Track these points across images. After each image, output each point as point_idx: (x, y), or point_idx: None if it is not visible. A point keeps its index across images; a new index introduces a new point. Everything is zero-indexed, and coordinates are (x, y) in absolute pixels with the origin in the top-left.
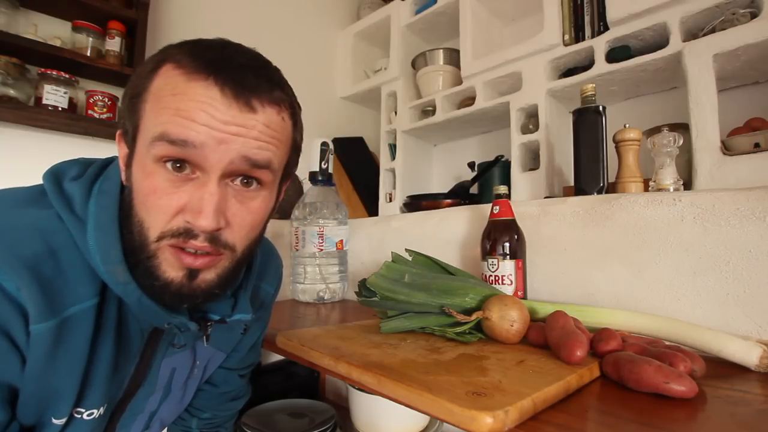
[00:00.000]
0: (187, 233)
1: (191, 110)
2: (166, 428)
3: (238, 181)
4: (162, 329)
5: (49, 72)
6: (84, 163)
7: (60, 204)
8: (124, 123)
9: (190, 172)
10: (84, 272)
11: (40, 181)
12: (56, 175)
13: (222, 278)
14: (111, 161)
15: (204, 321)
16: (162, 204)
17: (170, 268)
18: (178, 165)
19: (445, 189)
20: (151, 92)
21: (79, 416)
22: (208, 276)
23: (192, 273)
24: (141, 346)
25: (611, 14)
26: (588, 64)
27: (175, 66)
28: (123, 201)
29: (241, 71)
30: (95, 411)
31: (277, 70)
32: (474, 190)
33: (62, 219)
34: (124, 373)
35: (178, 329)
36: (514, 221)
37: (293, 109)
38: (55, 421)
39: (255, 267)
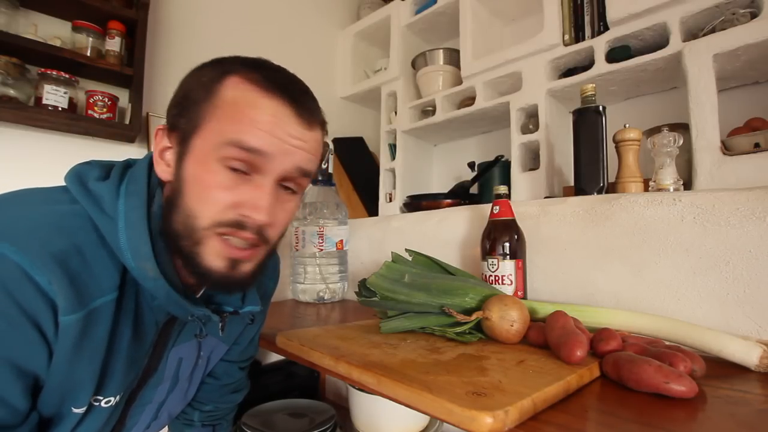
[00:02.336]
0: (240, 225)
1: (267, 123)
2: (167, 427)
3: (284, 184)
4: (174, 321)
5: (49, 72)
6: (103, 165)
7: (89, 203)
8: (175, 121)
9: (246, 174)
10: (106, 267)
11: (43, 181)
12: (79, 176)
13: (256, 269)
14: (131, 163)
15: (219, 313)
16: (220, 197)
17: (215, 257)
18: (238, 167)
19: (445, 189)
20: (224, 100)
21: (98, 404)
22: (247, 267)
23: (234, 264)
24: (154, 336)
25: (611, 14)
26: (588, 64)
27: (244, 80)
28: (152, 190)
29: (304, 95)
30: (112, 399)
31: (315, 97)
32: (474, 190)
33: (88, 216)
34: (139, 362)
35: (199, 320)
36: (514, 221)
37: (325, 129)
38: (75, 410)
39: None
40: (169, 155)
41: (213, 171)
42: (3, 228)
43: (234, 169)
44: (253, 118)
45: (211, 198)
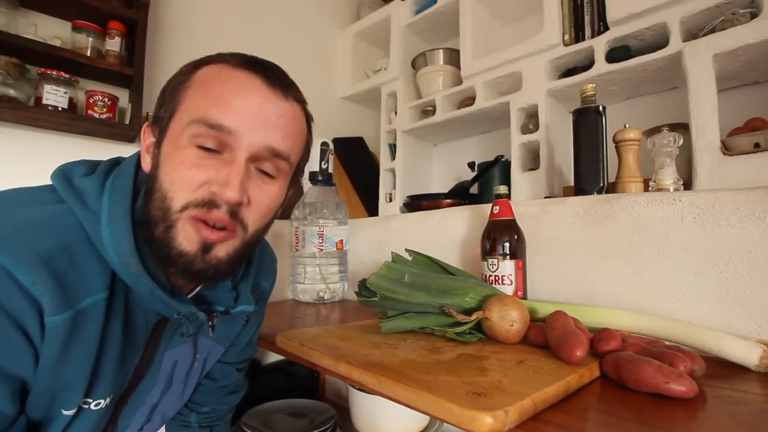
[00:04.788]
0: (211, 203)
1: (234, 95)
2: (164, 427)
3: (259, 167)
4: (165, 321)
5: (49, 72)
6: (91, 163)
7: (72, 198)
8: (156, 113)
9: (218, 151)
10: (96, 265)
11: (43, 181)
12: (65, 173)
13: (231, 257)
14: (120, 161)
15: (209, 312)
16: (190, 175)
17: (186, 240)
18: (208, 145)
19: (445, 189)
20: (196, 80)
21: (87, 406)
22: (220, 253)
23: (206, 247)
24: (146, 337)
25: (611, 14)
26: (588, 64)
27: (218, 63)
28: (138, 186)
29: (277, 70)
30: (102, 401)
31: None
32: (474, 190)
33: (74, 213)
34: (129, 363)
35: (187, 319)
36: (514, 221)
37: (309, 116)
38: (65, 412)
39: (254, 262)
40: (153, 148)
41: (183, 148)
42: None
43: (204, 148)
44: (220, 92)
45: (182, 177)
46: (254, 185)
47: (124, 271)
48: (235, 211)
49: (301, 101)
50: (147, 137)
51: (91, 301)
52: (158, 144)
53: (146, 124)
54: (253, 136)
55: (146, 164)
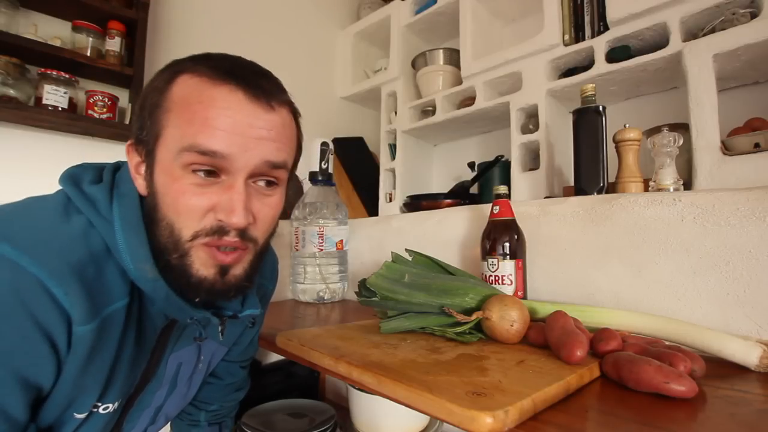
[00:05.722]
0: (221, 231)
1: (220, 118)
2: (169, 423)
3: (258, 181)
4: (172, 325)
5: (49, 72)
6: (96, 168)
7: (87, 207)
8: (138, 135)
9: (216, 175)
10: (117, 273)
11: (43, 181)
12: (73, 178)
13: (248, 271)
14: (120, 166)
15: (219, 317)
16: (193, 204)
17: (203, 266)
18: (205, 171)
19: (445, 189)
20: (174, 101)
21: (96, 410)
22: (237, 271)
23: (223, 270)
24: (154, 341)
25: (611, 14)
26: (588, 64)
27: (193, 75)
28: (143, 207)
29: (257, 77)
30: (111, 405)
31: (277, 78)
32: (474, 190)
33: (92, 222)
34: (138, 367)
35: (199, 323)
36: (514, 221)
37: (295, 111)
38: (77, 415)
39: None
40: (143, 169)
41: (180, 178)
42: (20, 239)
43: (201, 175)
44: (205, 116)
45: (186, 206)
46: (257, 201)
47: (140, 277)
48: (243, 233)
49: (287, 102)
50: (133, 157)
51: (114, 309)
52: (148, 168)
53: (129, 143)
54: (248, 156)
55: (141, 187)
